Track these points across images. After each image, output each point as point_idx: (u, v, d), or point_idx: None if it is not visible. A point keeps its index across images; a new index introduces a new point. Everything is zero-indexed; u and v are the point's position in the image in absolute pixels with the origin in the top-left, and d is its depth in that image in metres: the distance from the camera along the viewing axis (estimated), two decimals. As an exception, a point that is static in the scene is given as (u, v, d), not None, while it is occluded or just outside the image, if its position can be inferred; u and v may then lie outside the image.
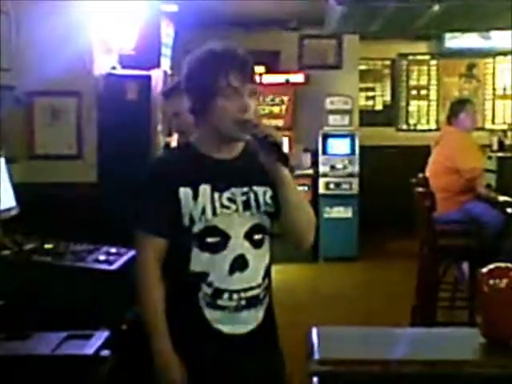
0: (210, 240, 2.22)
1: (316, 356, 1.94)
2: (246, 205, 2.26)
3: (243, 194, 2.26)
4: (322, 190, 8.83)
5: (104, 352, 2.83)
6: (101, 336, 2.90)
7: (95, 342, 2.83)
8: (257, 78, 2.30)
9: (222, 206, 2.23)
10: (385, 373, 1.93)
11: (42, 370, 2.72)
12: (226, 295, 2.23)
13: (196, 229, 2.22)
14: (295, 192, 2.25)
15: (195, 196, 2.22)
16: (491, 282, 1.99)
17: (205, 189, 2.23)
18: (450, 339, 2.16)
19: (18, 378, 2.70)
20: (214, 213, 2.22)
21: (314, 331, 2.09)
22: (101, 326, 3.01)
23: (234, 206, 2.24)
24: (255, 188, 2.27)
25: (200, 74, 2.24)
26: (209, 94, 2.21)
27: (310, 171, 8.77)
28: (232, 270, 2.23)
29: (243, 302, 2.24)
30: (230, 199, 2.25)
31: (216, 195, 2.23)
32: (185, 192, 2.22)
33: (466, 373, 1.94)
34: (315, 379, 1.91)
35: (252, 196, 2.27)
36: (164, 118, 3.65)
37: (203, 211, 2.21)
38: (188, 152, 2.32)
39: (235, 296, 2.23)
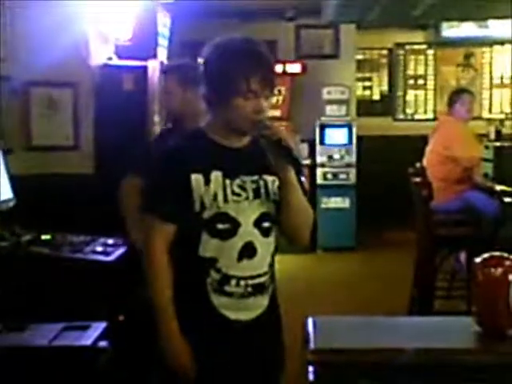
0: (220, 226, 2.24)
1: (311, 345, 1.95)
2: (256, 193, 2.29)
3: (253, 181, 2.29)
4: (319, 180, 8.84)
5: (101, 343, 2.84)
6: (98, 327, 2.91)
7: (93, 333, 2.84)
8: (276, 81, 2.30)
9: (233, 193, 2.26)
10: (380, 361, 1.94)
11: (39, 361, 2.73)
12: (233, 281, 2.25)
13: (206, 215, 2.24)
14: (298, 194, 2.29)
15: (207, 182, 2.24)
16: (486, 270, 2.00)
17: (216, 175, 2.25)
18: (445, 328, 2.17)
19: (15, 369, 2.71)
20: (226, 199, 2.25)
21: (310, 321, 2.10)
22: (98, 317, 3.02)
23: (244, 194, 2.27)
24: (265, 176, 2.30)
25: (222, 71, 2.24)
26: (227, 92, 2.23)
27: (308, 161, 8.76)
28: (241, 257, 2.26)
29: (250, 289, 2.27)
30: (240, 186, 2.27)
31: (227, 182, 2.26)
32: (196, 178, 2.24)
33: (461, 361, 1.95)
34: (310, 368, 1.91)
35: (262, 184, 2.30)
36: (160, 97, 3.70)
37: (215, 197, 2.24)
38: (199, 138, 2.34)
39: (242, 282, 2.26)
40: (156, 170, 2.36)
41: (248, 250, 2.26)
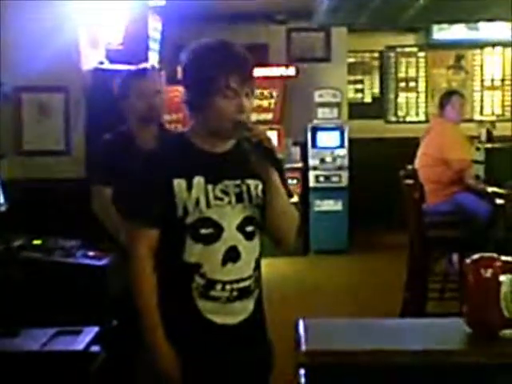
0: (203, 231, 2.24)
1: (303, 347, 1.95)
2: (239, 197, 2.29)
3: (236, 186, 2.29)
4: (311, 183, 8.84)
5: (94, 348, 2.84)
6: (90, 332, 2.91)
7: (85, 338, 2.84)
8: (254, 79, 2.31)
9: (216, 197, 2.26)
10: (372, 363, 1.94)
11: (31, 366, 2.72)
12: (218, 286, 2.25)
13: (189, 220, 2.24)
14: (281, 196, 2.29)
15: (189, 187, 2.24)
16: (476, 271, 2.00)
17: (199, 180, 2.25)
18: (436, 329, 2.17)
19: (7, 374, 2.70)
20: (208, 204, 2.25)
21: (301, 323, 2.10)
22: (90, 322, 3.01)
23: (227, 198, 2.27)
24: (247, 181, 2.30)
25: (200, 72, 2.25)
26: (207, 92, 2.23)
27: (300, 164, 8.77)
28: (225, 261, 2.25)
29: (235, 293, 2.27)
30: (223, 191, 2.27)
31: (209, 187, 2.26)
32: (179, 183, 2.24)
33: (453, 362, 1.95)
34: (302, 371, 1.91)
35: (244, 188, 2.30)
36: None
37: (197, 203, 2.24)
38: (181, 143, 2.34)
39: (228, 287, 2.26)
40: (138, 175, 2.35)
41: (232, 254, 2.26)
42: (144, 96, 3.69)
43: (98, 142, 3.87)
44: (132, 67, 4.79)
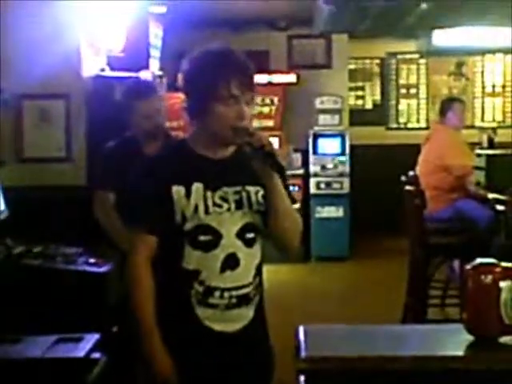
0: (202, 238, 2.24)
1: (303, 353, 1.95)
2: (238, 204, 2.28)
3: (235, 192, 2.28)
4: (312, 189, 8.84)
5: (95, 354, 2.83)
6: (91, 338, 2.90)
7: (86, 345, 2.83)
8: (256, 86, 2.31)
9: (215, 204, 2.25)
10: (372, 370, 1.94)
11: (32, 373, 2.71)
12: (217, 293, 2.25)
13: (188, 226, 2.24)
14: (284, 200, 2.28)
15: (188, 194, 2.24)
16: (476, 277, 2.00)
17: (197, 187, 2.25)
18: (437, 335, 2.17)
19: (8, 381, 2.69)
20: (207, 211, 2.24)
21: (301, 329, 2.09)
22: (91, 329, 3.01)
23: (226, 205, 2.26)
24: (248, 187, 2.29)
25: (201, 79, 2.25)
26: (208, 99, 2.23)
27: (301, 171, 8.78)
28: (223, 269, 2.25)
29: (234, 300, 2.26)
30: (222, 198, 2.27)
31: (208, 194, 2.25)
32: (177, 190, 2.24)
33: (454, 369, 1.95)
34: (302, 377, 1.91)
35: (244, 195, 2.29)
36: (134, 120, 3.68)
37: (196, 209, 2.24)
38: (181, 150, 2.34)
39: (226, 294, 2.25)
40: (137, 181, 2.36)
41: (231, 262, 2.25)
42: (149, 116, 3.69)
43: (102, 149, 3.87)
44: (133, 74, 4.82)
